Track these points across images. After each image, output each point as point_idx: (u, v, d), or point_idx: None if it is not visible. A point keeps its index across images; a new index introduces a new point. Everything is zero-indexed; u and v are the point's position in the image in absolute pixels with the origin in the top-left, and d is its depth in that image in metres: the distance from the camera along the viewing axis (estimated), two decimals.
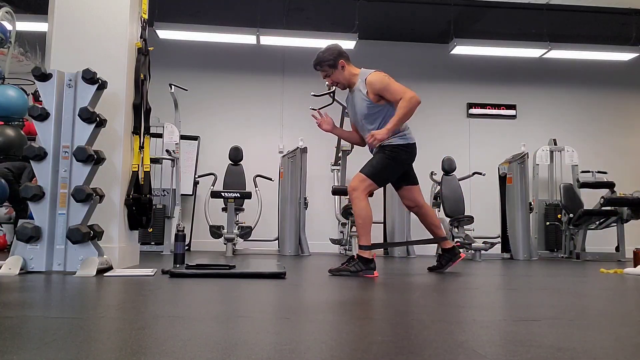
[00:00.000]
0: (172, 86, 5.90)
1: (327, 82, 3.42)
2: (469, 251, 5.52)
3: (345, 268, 3.12)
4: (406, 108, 3.06)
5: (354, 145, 5.84)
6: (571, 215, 5.89)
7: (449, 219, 5.81)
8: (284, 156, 6.06)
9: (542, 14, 6.39)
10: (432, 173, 6.21)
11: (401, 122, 3.12)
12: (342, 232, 5.88)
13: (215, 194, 5.46)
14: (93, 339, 1.24)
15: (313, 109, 4.15)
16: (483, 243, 5.45)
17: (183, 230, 3.27)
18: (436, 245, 6.33)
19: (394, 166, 3.21)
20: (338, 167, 6.25)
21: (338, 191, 5.54)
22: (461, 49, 6.57)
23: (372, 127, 3.22)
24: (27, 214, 3.23)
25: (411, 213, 6.03)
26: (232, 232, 5.31)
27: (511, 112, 7.44)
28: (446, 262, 3.46)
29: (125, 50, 3.33)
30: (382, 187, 5.97)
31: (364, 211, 3.13)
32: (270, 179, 6.11)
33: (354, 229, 5.41)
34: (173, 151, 5.80)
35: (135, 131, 3.42)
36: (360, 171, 3.20)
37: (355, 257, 3.16)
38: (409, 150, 3.23)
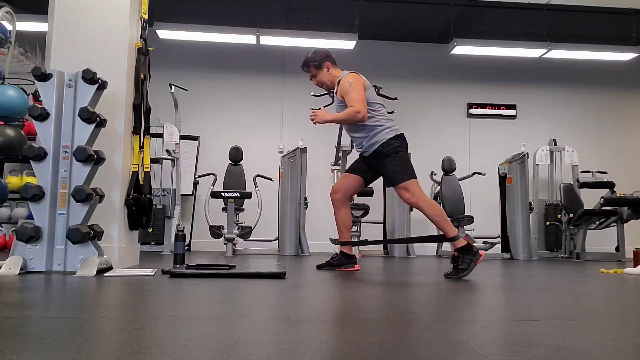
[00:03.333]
0: (172, 86, 5.90)
1: (314, 83, 3.57)
2: None
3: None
4: (347, 115, 3.27)
5: (355, 145, 5.89)
6: (571, 215, 5.88)
7: (449, 219, 5.81)
8: (284, 156, 6.05)
9: (542, 14, 6.39)
10: (432, 173, 6.21)
11: (338, 121, 3.47)
12: None
13: (215, 194, 5.45)
14: (93, 339, 1.24)
15: (313, 109, 4.16)
16: (483, 243, 5.45)
17: (183, 230, 3.27)
18: (438, 245, 6.35)
19: (405, 155, 3.30)
20: (338, 167, 6.25)
21: None
22: (461, 49, 6.57)
23: (351, 126, 3.36)
24: None
25: (411, 213, 6.11)
26: (232, 232, 5.31)
27: (511, 112, 7.43)
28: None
29: (125, 50, 3.33)
30: (382, 187, 6.03)
31: (434, 204, 3.30)
32: (270, 179, 6.11)
33: (353, 228, 5.41)
34: (173, 151, 5.79)
35: (135, 131, 3.42)
36: (397, 184, 3.22)
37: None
38: (403, 139, 3.32)
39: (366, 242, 4.73)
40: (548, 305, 1.98)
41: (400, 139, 3.29)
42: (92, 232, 2.84)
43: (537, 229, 6.16)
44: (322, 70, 3.47)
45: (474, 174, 6.41)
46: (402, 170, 3.22)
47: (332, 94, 3.91)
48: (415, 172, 3.28)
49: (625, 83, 7.58)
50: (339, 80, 3.40)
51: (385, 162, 3.26)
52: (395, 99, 5.49)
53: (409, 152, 3.35)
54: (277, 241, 5.89)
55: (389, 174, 3.27)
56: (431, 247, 6.38)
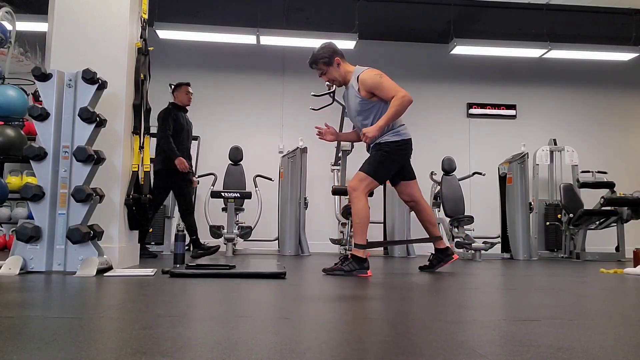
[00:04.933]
0: (172, 86, 5.88)
1: (326, 82, 3.43)
2: (469, 251, 5.52)
3: (339, 267, 3.14)
4: (398, 106, 3.10)
5: (354, 145, 5.89)
6: (571, 215, 5.88)
7: (449, 219, 5.81)
8: (284, 156, 6.06)
9: (542, 14, 6.39)
10: (432, 173, 6.21)
11: (391, 120, 3.15)
12: (342, 232, 5.88)
13: (215, 194, 5.45)
14: (93, 339, 1.24)
15: (313, 109, 4.14)
16: (483, 243, 5.44)
17: (183, 230, 3.28)
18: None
19: (390, 163, 3.24)
20: (338, 167, 6.25)
21: (338, 191, 5.53)
22: (461, 49, 6.57)
23: (366, 122, 3.25)
24: None
25: (411, 212, 6.10)
26: (232, 232, 5.31)
27: (511, 112, 7.43)
28: (437, 262, 3.51)
29: (125, 50, 3.33)
30: (382, 186, 6.02)
31: (363, 211, 3.16)
32: (270, 179, 6.11)
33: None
34: None
35: (135, 131, 3.42)
36: (359, 170, 3.23)
37: (349, 256, 3.17)
38: (404, 147, 3.25)
39: (379, 244, 4.68)
40: (548, 305, 1.98)
41: (402, 146, 3.22)
42: (92, 232, 2.84)
43: (537, 229, 6.16)
44: (333, 66, 3.25)
45: (474, 174, 6.41)
46: (373, 165, 3.19)
47: (332, 95, 3.88)
48: (383, 179, 3.25)
49: (625, 83, 7.58)
50: (358, 76, 3.21)
51: (372, 153, 3.26)
52: None
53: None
54: (277, 241, 5.90)
55: (366, 161, 3.26)
56: (431, 248, 6.36)
